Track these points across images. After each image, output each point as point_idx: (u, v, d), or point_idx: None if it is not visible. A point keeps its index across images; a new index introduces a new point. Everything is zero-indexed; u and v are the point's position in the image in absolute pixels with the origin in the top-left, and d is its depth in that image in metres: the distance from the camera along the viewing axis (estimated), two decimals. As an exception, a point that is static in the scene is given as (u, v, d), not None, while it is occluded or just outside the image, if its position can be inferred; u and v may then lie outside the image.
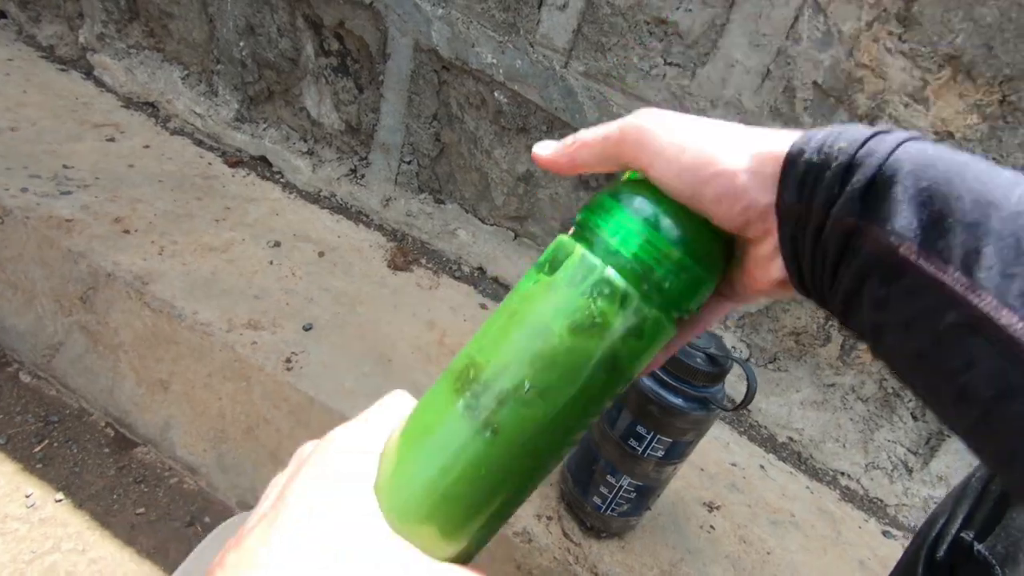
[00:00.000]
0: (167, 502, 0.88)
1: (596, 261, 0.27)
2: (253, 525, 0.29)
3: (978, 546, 0.38)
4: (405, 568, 0.27)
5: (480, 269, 1.21)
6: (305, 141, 1.29)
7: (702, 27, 0.86)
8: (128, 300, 0.91)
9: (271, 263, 1.04)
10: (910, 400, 0.98)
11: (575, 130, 1.00)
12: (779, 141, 0.24)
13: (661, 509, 0.82)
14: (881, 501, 1.02)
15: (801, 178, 0.22)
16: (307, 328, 0.93)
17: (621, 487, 0.68)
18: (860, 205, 0.21)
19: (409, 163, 1.19)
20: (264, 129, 1.31)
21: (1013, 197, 0.19)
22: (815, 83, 0.84)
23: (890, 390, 0.99)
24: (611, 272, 0.26)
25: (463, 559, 0.30)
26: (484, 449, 0.27)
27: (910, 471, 1.01)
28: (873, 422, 1.02)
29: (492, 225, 1.18)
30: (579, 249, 0.28)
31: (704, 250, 0.27)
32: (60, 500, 0.84)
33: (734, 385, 1.03)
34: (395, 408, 0.32)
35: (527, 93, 1.00)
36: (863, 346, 0.98)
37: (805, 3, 0.80)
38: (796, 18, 0.81)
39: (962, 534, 0.41)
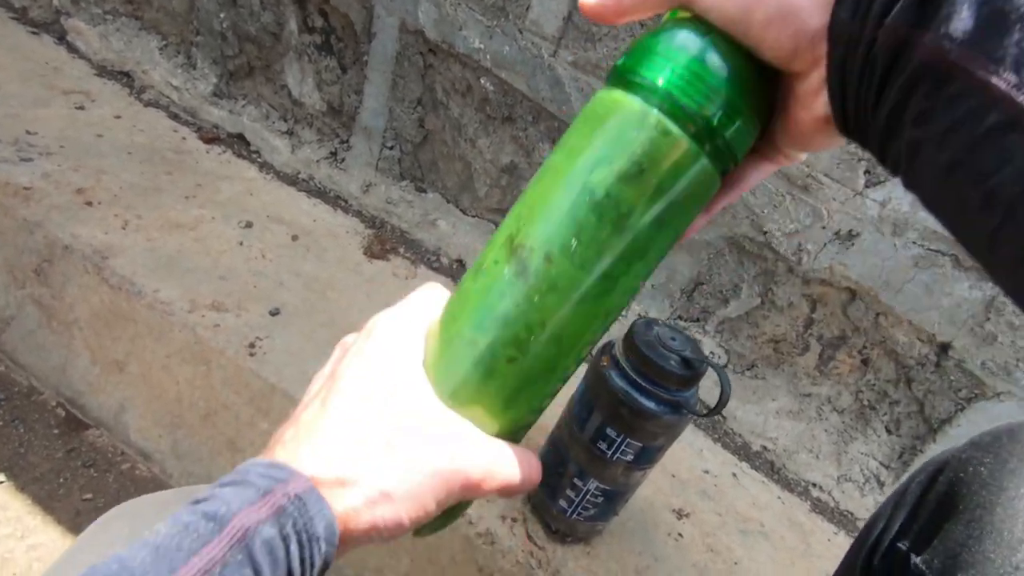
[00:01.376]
0: (117, 488, 0.84)
1: (640, 103, 0.25)
2: (306, 404, 0.29)
3: (915, 559, 0.36)
4: (459, 439, 0.28)
5: (459, 261, 1.18)
6: (285, 120, 1.25)
7: (696, 23, 0.84)
8: (85, 275, 0.87)
9: (241, 244, 1.00)
10: (885, 413, 0.98)
11: (562, 122, 0.98)
12: None
13: (629, 515, 0.80)
14: (852, 514, 1.01)
15: None
16: (274, 313, 0.89)
17: (588, 491, 0.66)
18: (915, 12, 0.21)
19: (391, 149, 1.16)
20: (243, 106, 1.27)
21: None
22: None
23: (865, 403, 0.98)
24: (656, 113, 0.25)
25: (510, 438, 0.31)
26: (535, 313, 0.27)
27: (882, 485, 1.00)
28: (847, 434, 1.01)
29: (474, 217, 1.16)
30: (620, 95, 0.26)
31: (751, 85, 0.26)
32: (1, 482, 0.79)
33: (710, 390, 1.01)
34: (431, 295, 0.33)
35: (514, 81, 0.97)
36: (841, 357, 0.97)
37: None
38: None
39: (898, 543, 0.39)
